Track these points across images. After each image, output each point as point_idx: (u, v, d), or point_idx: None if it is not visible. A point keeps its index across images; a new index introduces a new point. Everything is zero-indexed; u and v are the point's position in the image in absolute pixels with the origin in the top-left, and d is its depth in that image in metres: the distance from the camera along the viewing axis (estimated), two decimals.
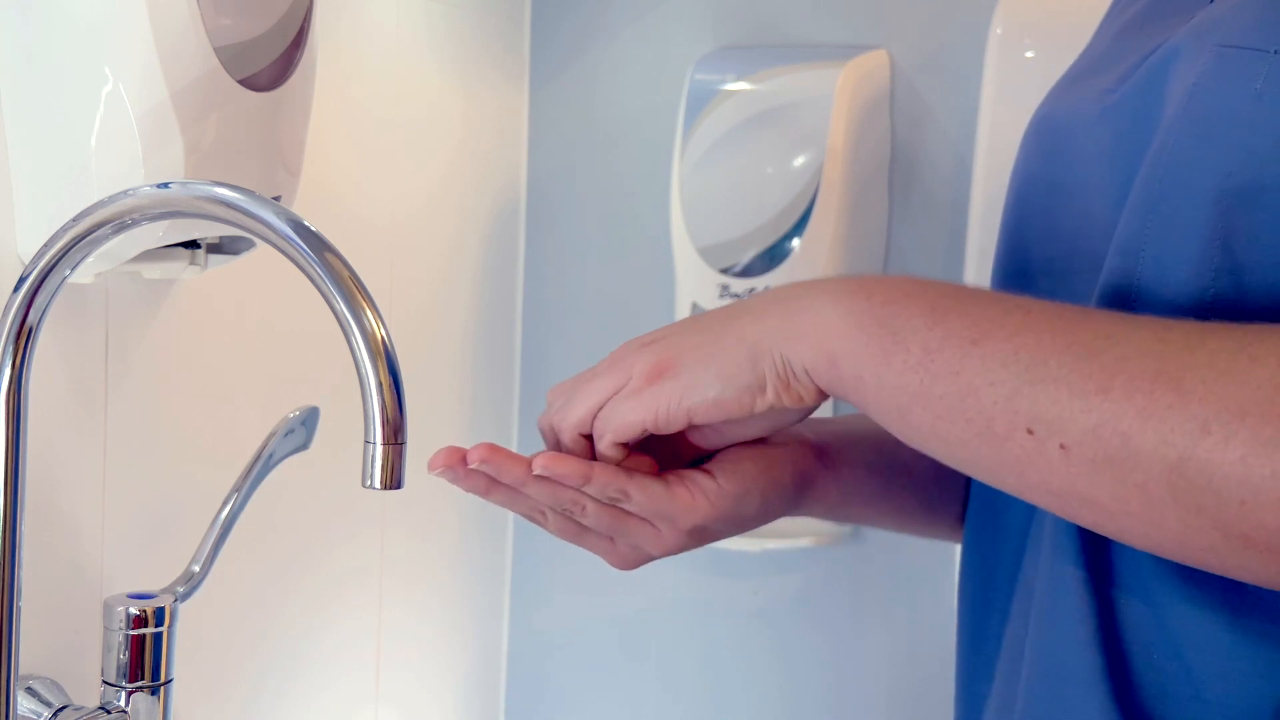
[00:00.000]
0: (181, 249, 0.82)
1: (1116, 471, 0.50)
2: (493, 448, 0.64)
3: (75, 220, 0.64)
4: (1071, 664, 0.60)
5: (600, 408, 0.64)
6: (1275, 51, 0.54)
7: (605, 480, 0.64)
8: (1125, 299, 0.59)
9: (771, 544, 1.21)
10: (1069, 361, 0.52)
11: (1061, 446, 0.52)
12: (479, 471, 0.64)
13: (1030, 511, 0.65)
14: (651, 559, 0.71)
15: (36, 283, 0.65)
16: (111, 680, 0.80)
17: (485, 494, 0.66)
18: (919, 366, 0.55)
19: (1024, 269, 0.70)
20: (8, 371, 0.66)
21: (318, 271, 0.59)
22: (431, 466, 0.64)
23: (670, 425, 0.62)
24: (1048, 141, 0.70)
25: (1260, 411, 0.47)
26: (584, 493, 0.65)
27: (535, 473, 0.64)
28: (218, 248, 0.85)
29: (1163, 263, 0.57)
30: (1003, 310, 0.55)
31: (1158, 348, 0.50)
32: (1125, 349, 0.51)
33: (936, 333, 0.55)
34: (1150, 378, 0.50)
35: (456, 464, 0.64)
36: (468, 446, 0.64)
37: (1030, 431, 0.52)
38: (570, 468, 0.63)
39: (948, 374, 0.55)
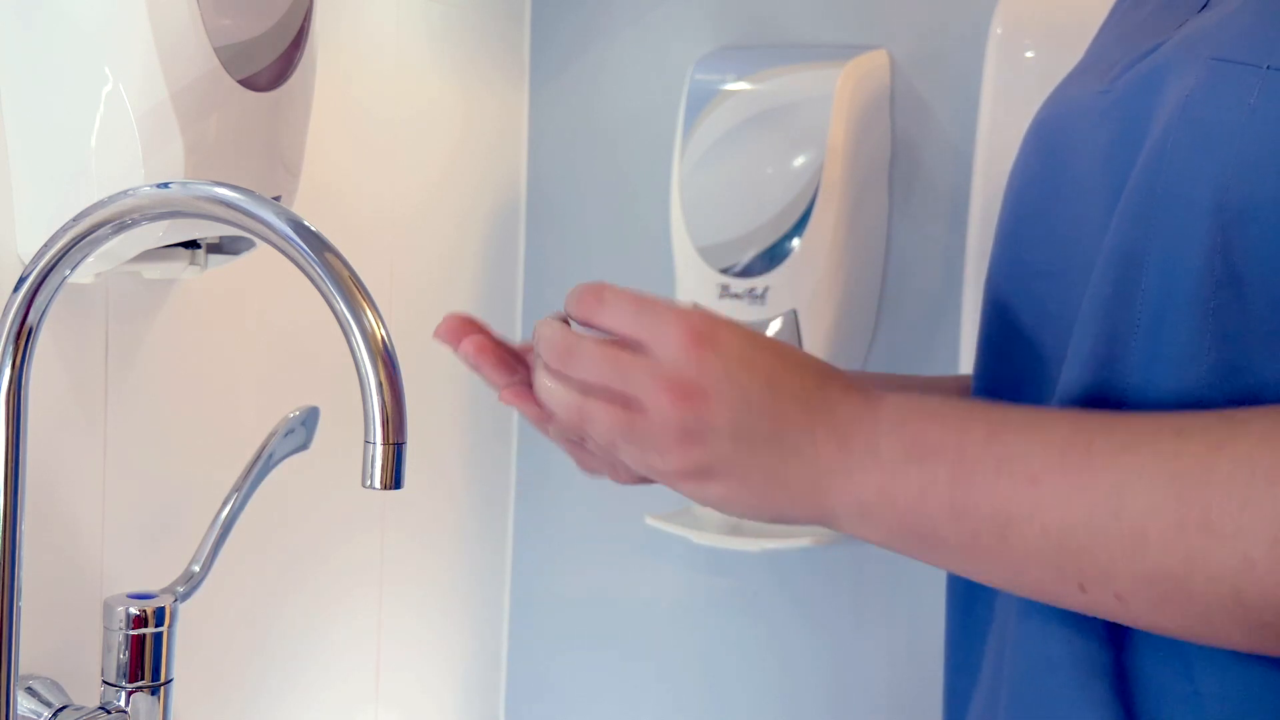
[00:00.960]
0: (181, 249, 0.82)
1: (1175, 608, 0.53)
2: (480, 348, 0.65)
3: (75, 220, 0.64)
4: (1065, 656, 0.60)
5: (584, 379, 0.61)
6: (1268, 67, 0.54)
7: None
8: (1129, 306, 0.59)
9: (771, 544, 1.21)
10: (1097, 524, 0.53)
11: (1117, 596, 0.54)
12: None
13: None
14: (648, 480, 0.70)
15: (36, 283, 0.65)
16: (111, 680, 0.80)
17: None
18: (962, 549, 0.57)
19: (1020, 270, 0.70)
20: (8, 371, 0.66)
21: (318, 271, 0.59)
22: (435, 333, 0.66)
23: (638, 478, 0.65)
24: (1047, 143, 0.70)
25: None
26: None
27: (502, 400, 0.65)
28: (218, 248, 0.85)
29: (1167, 272, 0.58)
30: (1013, 485, 0.55)
31: (1175, 486, 0.52)
32: (1142, 492, 0.52)
33: (966, 527, 0.56)
34: (1178, 524, 0.51)
35: (453, 339, 0.66)
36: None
37: (1084, 589, 0.55)
38: (532, 412, 0.64)
39: (989, 558, 0.57)
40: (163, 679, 0.81)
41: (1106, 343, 0.60)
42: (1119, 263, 0.60)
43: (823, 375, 0.60)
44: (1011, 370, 0.70)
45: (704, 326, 0.58)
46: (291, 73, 0.81)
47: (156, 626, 0.80)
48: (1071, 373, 0.62)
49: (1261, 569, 0.50)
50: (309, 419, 0.90)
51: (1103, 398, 0.61)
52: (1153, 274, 0.58)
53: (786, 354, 0.60)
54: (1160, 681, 0.58)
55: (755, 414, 0.58)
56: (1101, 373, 0.61)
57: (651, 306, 0.59)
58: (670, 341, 0.58)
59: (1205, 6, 0.62)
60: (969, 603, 0.72)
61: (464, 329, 0.66)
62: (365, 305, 0.59)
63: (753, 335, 0.59)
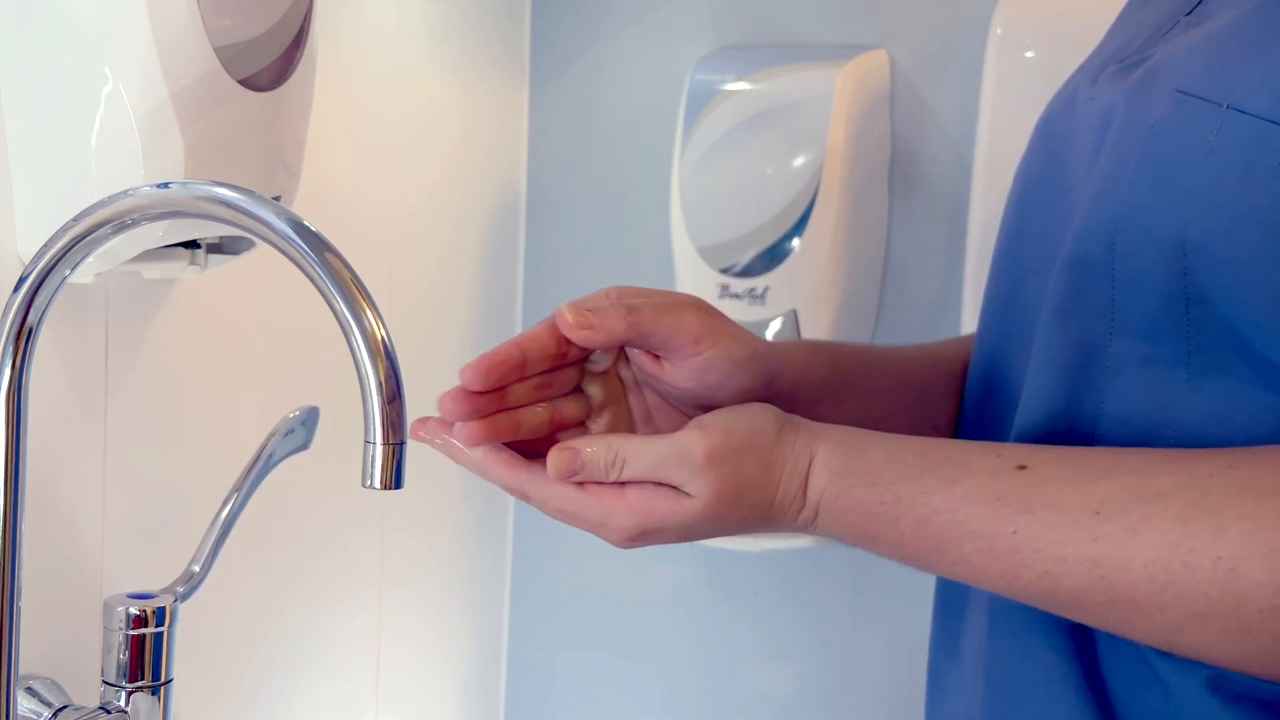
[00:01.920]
0: (181, 249, 0.82)
1: (1130, 638, 0.58)
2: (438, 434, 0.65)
3: (75, 220, 0.64)
4: (1040, 647, 0.63)
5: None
6: (1228, 106, 0.56)
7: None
8: (1098, 317, 0.61)
9: (771, 544, 1.21)
10: (1036, 597, 0.58)
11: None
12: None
13: None
14: None
15: (36, 283, 0.65)
16: (111, 680, 0.80)
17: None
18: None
19: (1020, 266, 0.71)
20: (8, 371, 0.66)
21: (318, 271, 0.59)
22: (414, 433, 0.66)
23: None
24: (1048, 141, 0.71)
25: (1215, 613, 0.53)
26: None
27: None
28: (218, 248, 0.85)
29: (1137, 288, 0.60)
30: (953, 564, 0.60)
31: (1098, 571, 0.55)
32: (1067, 576, 0.56)
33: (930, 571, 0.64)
34: (1108, 602, 0.55)
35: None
36: (469, 445, 0.66)
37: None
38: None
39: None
40: (163, 679, 0.81)
41: (1080, 350, 0.62)
42: (1082, 274, 0.62)
43: (766, 505, 0.63)
44: (1006, 363, 0.71)
45: (637, 532, 0.62)
46: (291, 73, 0.81)
47: (156, 626, 0.80)
48: (1040, 379, 0.64)
49: (1189, 635, 0.54)
50: (309, 419, 0.90)
51: (1077, 399, 0.63)
52: (1123, 289, 0.60)
53: (724, 512, 0.62)
54: (1124, 669, 0.62)
55: (702, 536, 0.64)
56: (1078, 380, 0.63)
57: (581, 514, 0.63)
58: (611, 537, 0.63)
59: (1195, 9, 0.63)
60: (951, 596, 0.74)
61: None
62: (365, 305, 0.59)
63: (691, 520, 0.62)
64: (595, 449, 0.61)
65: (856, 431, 0.63)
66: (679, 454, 0.61)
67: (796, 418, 0.65)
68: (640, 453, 0.61)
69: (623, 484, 0.62)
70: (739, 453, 0.61)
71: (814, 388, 0.73)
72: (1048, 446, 0.60)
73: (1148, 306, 0.59)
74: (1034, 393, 0.65)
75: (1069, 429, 0.63)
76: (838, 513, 0.62)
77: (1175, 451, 0.57)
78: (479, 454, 0.64)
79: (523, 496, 0.64)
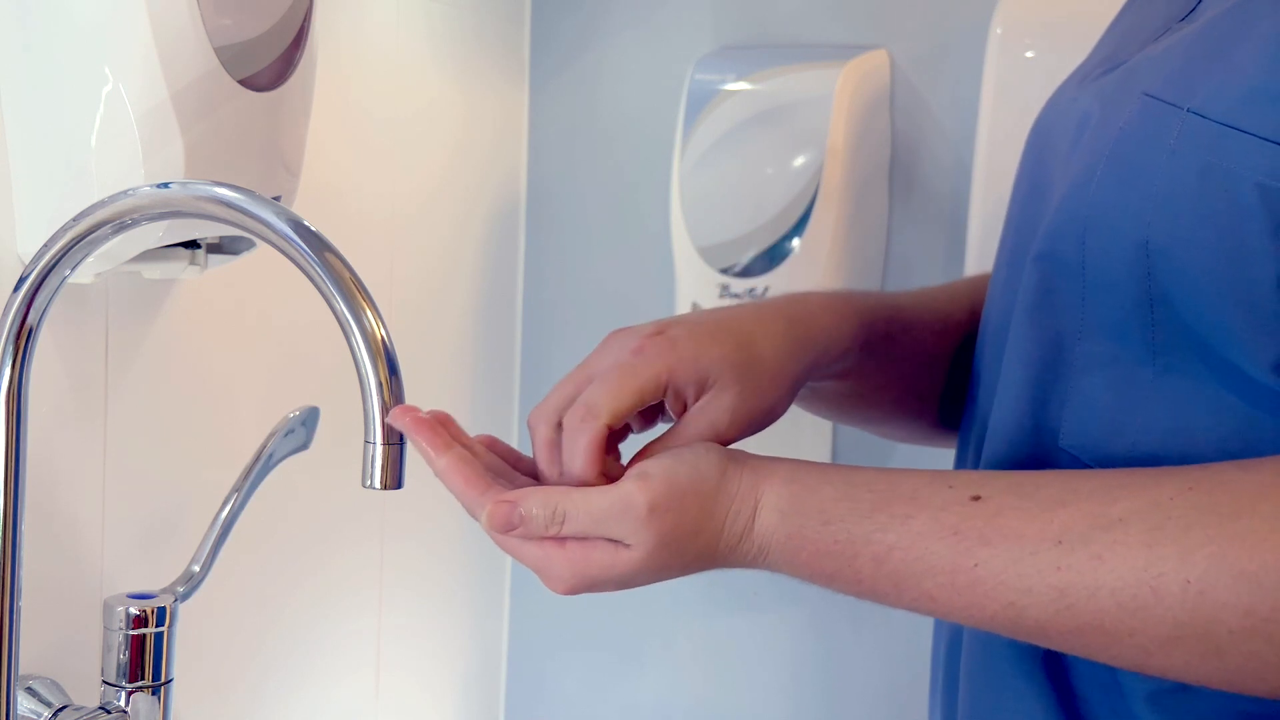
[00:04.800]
0: (181, 249, 0.82)
1: (1099, 661, 0.58)
2: (416, 426, 0.64)
3: (75, 220, 0.64)
4: (1007, 644, 0.65)
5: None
6: (1188, 110, 0.56)
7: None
8: (1069, 313, 0.62)
9: None
10: (1001, 626, 0.58)
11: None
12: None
13: None
14: None
15: (36, 283, 0.66)
16: (111, 680, 0.80)
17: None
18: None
19: (1004, 260, 0.73)
20: (8, 371, 0.66)
21: (318, 271, 0.59)
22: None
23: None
24: (1037, 139, 0.73)
25: (1185, 637, 0.53)
26: None
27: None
28: (218, 248, 0.85)
29: (1104, 289, 0.60)
30: (915, 599, 0.60)
31: (1065, 600, 0.55)
32: (1033, 607, 0.56)
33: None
34: (1075, 630, 0.56)
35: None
36: (434, 451, 0.65)
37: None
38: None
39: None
40: (163, 679, 0.81)
41: (1050, 347, 0.63)
42: (1052, 271, 0.63)
43: (710, 551, 0.62)
44: (994, 349, 0.72)
45: (577, 583, 0.62)
46: (291, 73, 0.81)
47: (156, 626, 0.80)
48: (1012, 372, 0.65)
49: (1159, 657, 0.54)
50: (309, 419, 0.90)
51: (1045, 394, 0.64)
52: (1093, 289, 0.61)
53: (665, 560, 0.62)
54: (1084, 664, 0.63)
55: (644, 583, 0.63)
56: (1047, 375, 0.64)
57: (521, 556, 0.63)
58: (550, 585, 0.63)
59: (1191, 13, 0.63)
60: None
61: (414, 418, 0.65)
62: (365, 305, 0.59)
63: (631, 571, 0.62)
64: (535, 506, 0.61)
65: (803, 467, 0.63)
66: (621, 508, 0.60)
67: (744, 455, 0.64)
68: (581, 508, 0.61)
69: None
70: (681, 500, 0.61)
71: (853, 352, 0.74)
72: (999, 474, 0.61)
73: (1116, 306, 0.60)
74: (1006, 386, 0.67)
75: (1035, 424, 0.65)
76: (790, 552, 0.62)
77: (1127, 474, 0.57)
78: (443, 462, 0.62)
79: (473, 516, 0.63)
